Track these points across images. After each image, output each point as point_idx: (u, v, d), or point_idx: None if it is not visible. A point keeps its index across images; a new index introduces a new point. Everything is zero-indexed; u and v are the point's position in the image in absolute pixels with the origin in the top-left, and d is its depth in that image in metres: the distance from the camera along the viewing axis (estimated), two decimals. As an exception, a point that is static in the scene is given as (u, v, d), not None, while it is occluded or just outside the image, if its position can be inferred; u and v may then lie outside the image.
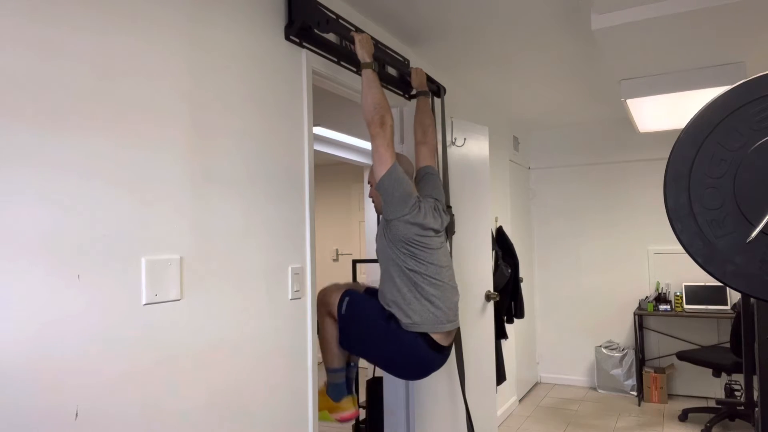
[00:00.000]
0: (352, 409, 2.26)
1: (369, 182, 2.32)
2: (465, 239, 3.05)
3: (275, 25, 2.07)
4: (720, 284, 4.63)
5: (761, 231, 1.21)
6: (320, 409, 2.25)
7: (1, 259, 1.19)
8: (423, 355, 2.06)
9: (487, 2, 2.62)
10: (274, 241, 2.00)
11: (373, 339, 2.12)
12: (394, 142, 2.10)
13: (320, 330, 2.24)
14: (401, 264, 2.05)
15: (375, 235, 2.23)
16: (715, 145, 1.26)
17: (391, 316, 2.08)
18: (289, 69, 2.12)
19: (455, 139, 3.03)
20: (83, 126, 1.37)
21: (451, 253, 2.77)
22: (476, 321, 3.11)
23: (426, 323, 2.04)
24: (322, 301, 2.23)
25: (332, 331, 2.21)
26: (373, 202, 2.32)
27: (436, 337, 2.06)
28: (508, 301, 4.16)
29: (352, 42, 2.19)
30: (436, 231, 2.12)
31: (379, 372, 3.19)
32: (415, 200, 2.07)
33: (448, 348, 2.16)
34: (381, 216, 2.14)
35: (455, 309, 2.15)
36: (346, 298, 2.16)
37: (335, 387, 2.25)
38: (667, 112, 3.75)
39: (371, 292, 2.24)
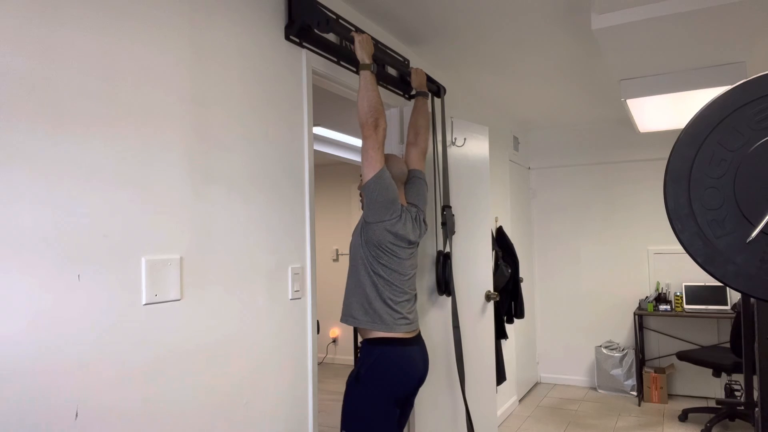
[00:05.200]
0: None
1: (360, 175, 2.34)
2: (465, 239, 3.05)
3: (275, 25, 2.07)
4: (720, 284, 4.63)
5: (761, 231, 1.21)
6: None
7: (2, 258, 1.19)
8: (396, 353, 2.09)
9: (488, 2, 2.62)
10: (274, 241, 2.00)
11: (371, 402, 2.08)
12: (384, 146, 2.12)
13: None
14: (367, 265, 2.09)
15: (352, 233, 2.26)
16: (715, 145, 1.26)
17: (356, 374, 2.10)
18: (289, 69, 2.12)
19: (455, 139, 3.03)
20: (84, 126, 1.37)
21: (451, 253, 2.77)
22: (476, 321, 3.11)
23: (387, 323, 2.08)
24: None
25: None
26: (360, 197, 2.34)
27: (396, 335, 2.10)
28: (508, 301, 4.16)
29: (352, 42, 2.19)
30: (410, 242, 2.16)
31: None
32: (398, 209, 2.10)
33: (416, 338, 2.18)
34: (362, 217, 2.16)
35: (414, 314, 2.20)
36: (342, 431, 2.13)
37: None
38: (667, 112, 3.75)
39: None
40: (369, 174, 2.05)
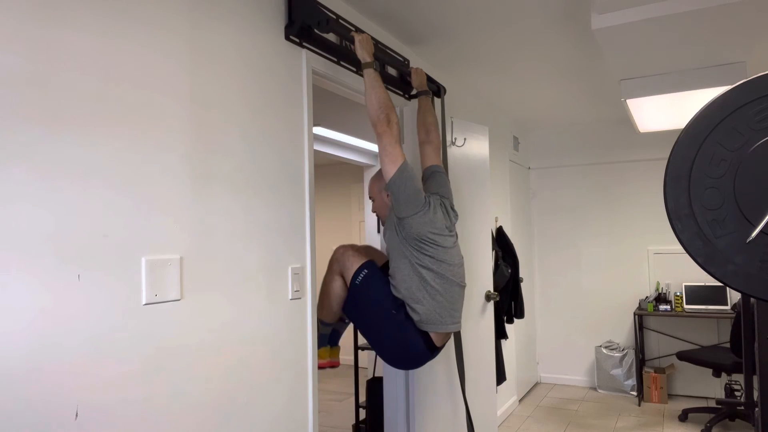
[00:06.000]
0: (327, 358, 2.28)
1: (371, 197, 2.30)
2: (465, 239, 3.05)
3: (275, 25, 2.07)
4: (720, 284, 4.63)
5: (761, 231, 1.21)
6: None
7: (1, 258, 1.19)
8: (417, 350, 2.10)
9: (488, 2, 2.62)
10: (274, 241, 2.00)
11: (377, 320, 2.12)
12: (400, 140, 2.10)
13: (325, 283, 2.24)
14: (413, 261, 2.06)
15: (382, 234, 2.24)
16: (715, 145, 1.26)
17: (403, 305, 2.10)
18: (289, 69, 2.12)
19: (455, 139, 3.03)
20: (84, 126, 1.37)
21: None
22: (476, 321, 3.11)
23: (430, 322, 2.06)
24: (337, 259, 2.22)
25: (338, 291, 2.21)
26: (377, 215, 2.31)
27: (434, 337, 2.09)
28: (508, 301, 4.16)
29: (352, 42, 2.18)
30: (449, 229, 2.13)
31: (379, 372, 3.19)
32: (425, 198, 2.08)
33: (441, 348, 2.19)
34: (392, 214, 2.12)
35: (460, 310, 2.17)
36: (365, 271, 2.14)
37: (318, 336, 2.25)
38: (667, 112, 3.75)
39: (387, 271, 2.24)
40: (392, 170, 2.01)
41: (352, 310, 2.19)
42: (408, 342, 2.08)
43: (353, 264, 2.17)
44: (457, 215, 2.30)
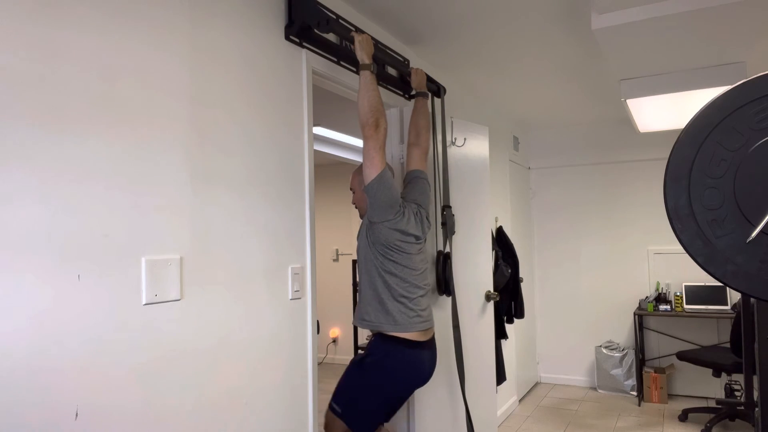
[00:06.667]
0: None
1: (351, 189, 2.35)
2: (465, 239, 3.05)
3: (275, 25, 2.07)
4: (720, 284, 4.63)
5: (761, 231, 1.21)
6: None
7: (1, 259, 1.19)
8: (406, 355, 2.10)
9: (488, 2, 2.62)
10: (274, 241, 2.00)
11: (368, 393, 2.13)
12: (386, 146, 2.13)
13: None
14: (378, 265, 2.10)
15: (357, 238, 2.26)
16: (715, 145, 1.26)
17: (362, 359, 2.13)
18: (289, 69, 2.12)
19: (455, 139, 3.03)
20: (84, 126, 1.37)
21: (451, 253, 2.77)
22: (476, 321, 3.11)
23: (397, 323, 2.09)
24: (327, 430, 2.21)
25: None
26: (357, 208, 2.34)
27: (410, 335, 2.11)
28: (508, 301, 4.16)
29: (352, 42, 2.19)
30: (417, 237, 2.17)
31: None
32: (400, 206, 2.11)
33: (430, 342, 2.19)
34: (366, 217, 2.17)
35: (429, 311, 2.21)
36: (332, 403, 2.18)
37: None
38: (667, 112, 3.75)
39: None
40: (371, 175, 2.05)
41: (361, 424, 2.15)
42: (392, 358, 2.10)
43: (329, 416, 2.18)
44: (430, 225, 2.34)
